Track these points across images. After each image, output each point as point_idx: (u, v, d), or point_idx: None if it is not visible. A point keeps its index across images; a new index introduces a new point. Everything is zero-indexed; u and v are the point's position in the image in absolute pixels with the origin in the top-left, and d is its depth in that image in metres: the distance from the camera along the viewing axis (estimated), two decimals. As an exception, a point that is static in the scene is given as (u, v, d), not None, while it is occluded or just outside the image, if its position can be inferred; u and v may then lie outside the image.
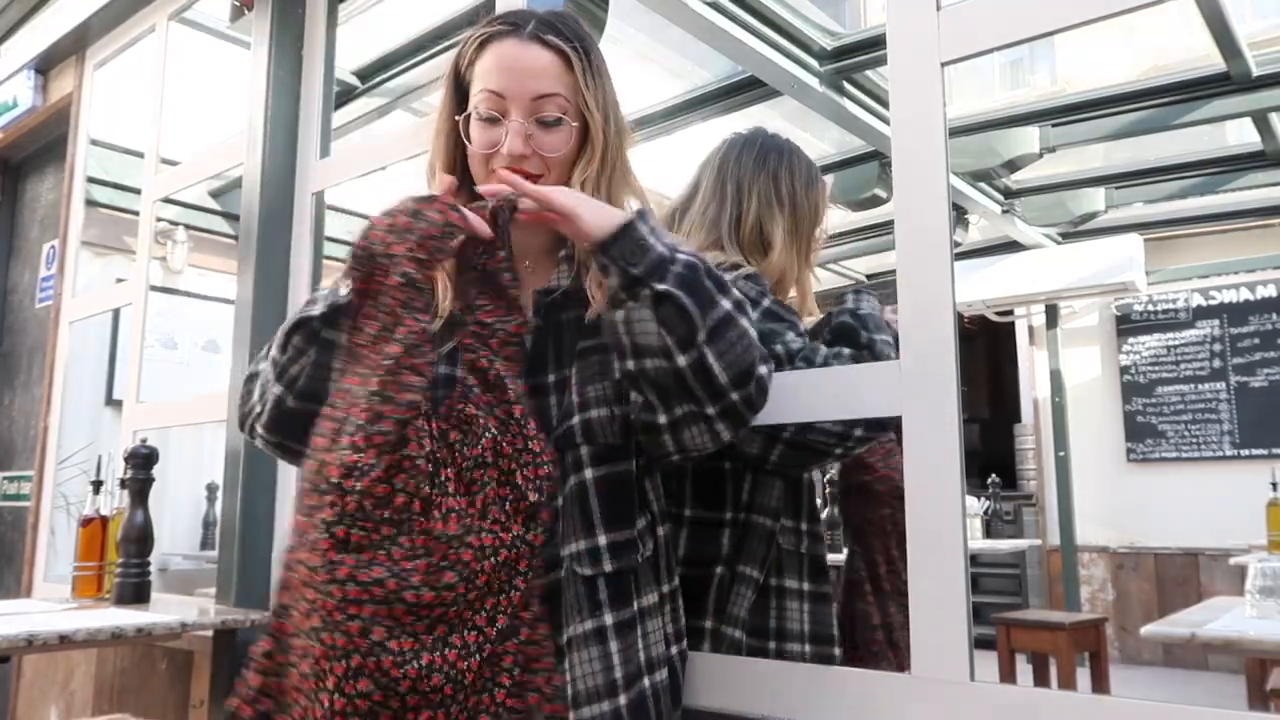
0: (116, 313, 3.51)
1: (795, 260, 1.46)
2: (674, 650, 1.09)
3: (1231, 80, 3.05)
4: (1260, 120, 3.39)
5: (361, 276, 0.96)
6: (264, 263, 2.17)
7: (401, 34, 2.89)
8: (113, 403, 3.78)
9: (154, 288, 2.79)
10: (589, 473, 1.03)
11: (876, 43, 2.90)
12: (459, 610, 0.90)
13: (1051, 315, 5.79)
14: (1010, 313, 6.02)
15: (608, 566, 1.01)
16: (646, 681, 1.01)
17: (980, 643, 1.16)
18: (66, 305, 2.99)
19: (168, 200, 2.95)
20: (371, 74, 3.00)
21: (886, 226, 4.34)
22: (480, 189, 1.03)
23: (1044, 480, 6.03)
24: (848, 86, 3.10)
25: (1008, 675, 4.06)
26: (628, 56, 3.09)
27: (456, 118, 1.09)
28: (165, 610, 1.97)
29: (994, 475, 6.27)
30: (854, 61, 2.98)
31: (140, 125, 2.74)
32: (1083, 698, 1.08)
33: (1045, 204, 4.46)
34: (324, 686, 0.86)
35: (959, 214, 4.30)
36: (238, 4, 2.40)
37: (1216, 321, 5.64)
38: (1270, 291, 5.49)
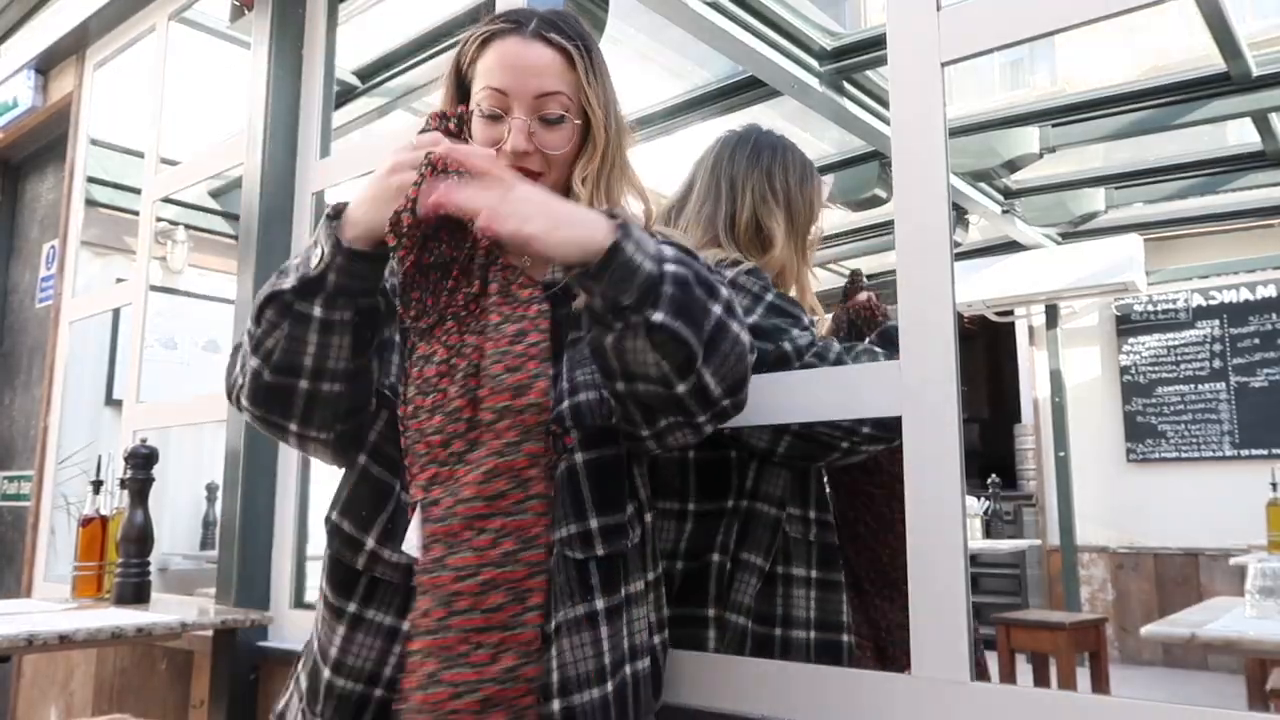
0: (116, 313, 3.51)
1: (793, 256, 1.46)
2: (656, 640, 1.09)
3: (1231, 80, 3.05)
4: (1260, 120, 3.39)
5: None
6: (264, 263, 2.17)
7: (401, 34, 2.90)
8: (113, 403, 3.78)
9: (154, 288, 2.79)
10: (579, 456, 1.01)
11: (876, 43, 2.90)
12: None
13: (1051, 315, 5.79)
14: (1010, 313, 6.02)
15: (599, 550, 0.99)
16: (628, 669, 1.01)
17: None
18: (66, 305, 2.99)
19: (168, 200, 2.95)
20: (371, 74, 3.00)
21: (886, 226, 4.34)
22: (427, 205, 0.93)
23: (1044, 480, 6.04)
24: (848, 86, 3.11)
25: (1008, 675, 4.06)
26: (628, 56, 3.09)
27: (461, 111, 1.09)
28: (165, 610, 1.97)
29: (994, 475, 6.28)
30: (854, 61, 2.98)
31: (140, 125, 2.74)
32: (1083, 698, 1.08)
33: (1045, 204, 4.46)
34: None
35: (959, 214, 4.30)
36: (238, 4, 2.40)
37: (1216, 321, 5.64)
38: (1270, 291, 5.49)
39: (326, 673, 1.00)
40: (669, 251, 0.94)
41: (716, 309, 0.94)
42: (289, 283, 0.97)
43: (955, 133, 3.54)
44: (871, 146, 3.57)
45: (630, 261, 0.89)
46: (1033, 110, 3.65)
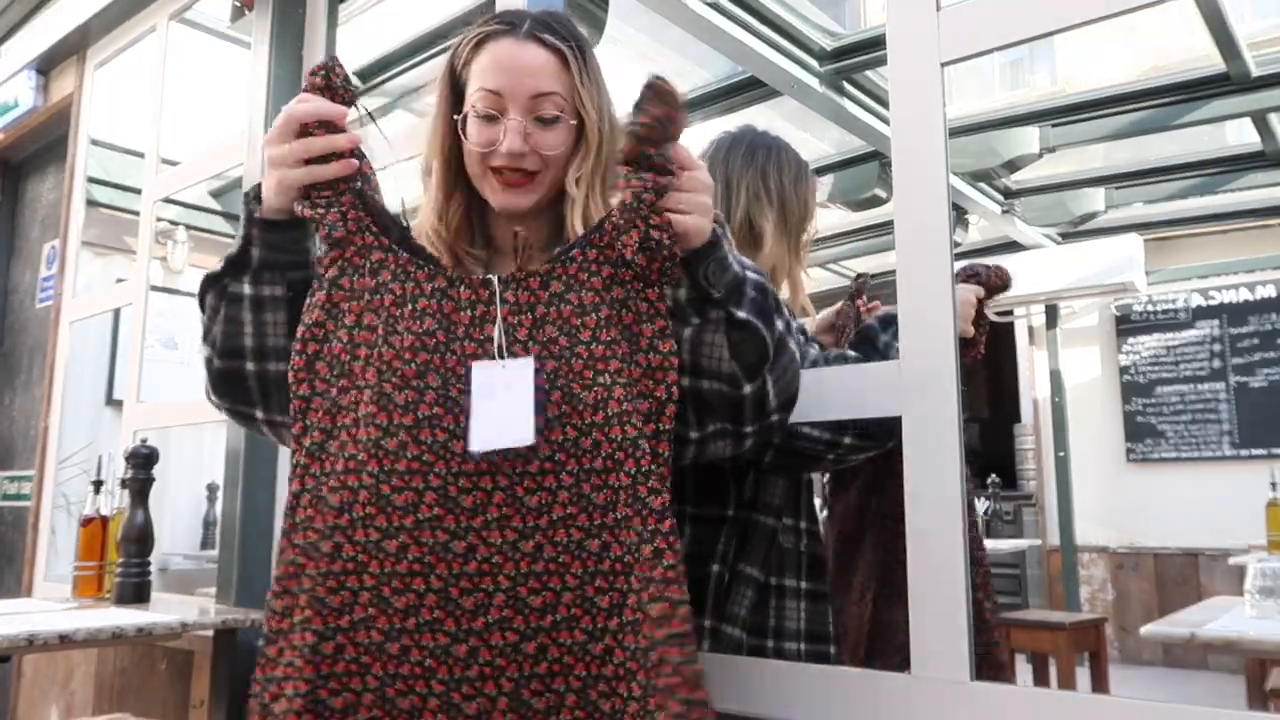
0: (117, 313, 3.51)
1: (786, 255, 1.46)
2: None
3: (1231, 80, 3.05)
4: (1260, 120, 3.39)
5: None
6: (264, 263, 2.17)
7: (401, 34, 2.90)
8: (113, 403, 3.79)
9: (154, 288, 2.79)
10: None
11: (876, 43, 2.91)
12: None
13: (1051, 315, 5.79)
14: (1010, 313, 6.02)
15: None
16: None
17: (980, 643, 1.16)
18: (67, 305, 2.99)
19: (168, 200, 2.95)
20: (371, 74, 3.00)
21: (886, 226, 4.34)
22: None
23: (1044, 480, 6.04)
24: (848, 86, 3.11)
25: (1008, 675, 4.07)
26: (628, 56, 3.09)
27: (455, 117, 1.09)
28: (165, 610, 1.97)
29: (994, 475, 6.28)
30: (854, 61, 2.98)
31: (140, 125, 2.74)
32: (1082, 697, 1.08)
33: (1045, 204, 4.46)
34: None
35: (959, 214, 4.30)
36: (238, 4, 2.40)
37: (1216, 321, 5.65)
38: (1270, 291, 5.49)
39: None
40: (749, 263, 1.00)
41: (779, 324, 0.99)
42: (218, 266, 1.00)
43: (955, 133, 3.54)
44: (871, 146, 3.57)
45: (726, 257, 0.95)
46: (1033, 110, 3.65)
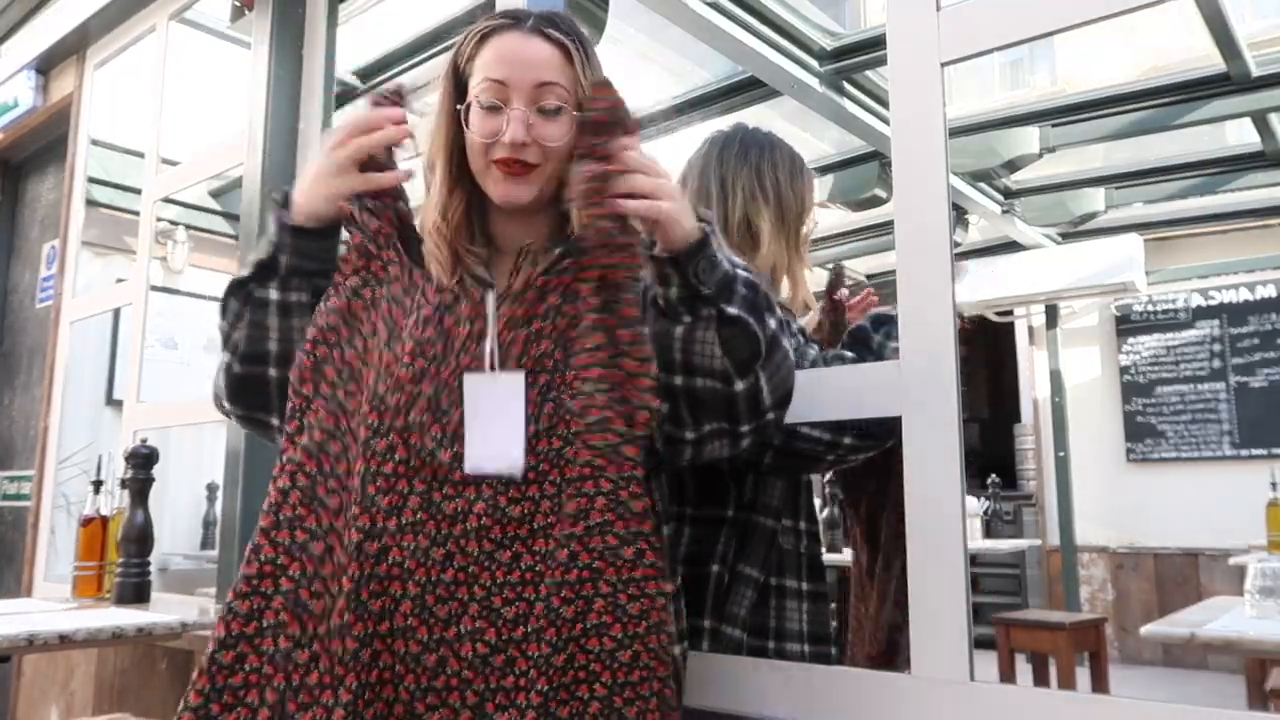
0: (116, 313, 3.51)
1: (785, 252, 1.45)
2: (676, 650, 1.09)
3: (1231, 80, 3.05)
4: (1260, 120, 3.39)
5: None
6: (264, 263, 2.17)
7: (401, 34, 2.90)
8: (113, 403, 3.79)
9: (154, 288, 2.79)
10: None
11: (876, 43, 2.90)
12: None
13: (1051, 315, 5.79)
14: (1010, 313, 6.03)
15: None
16: None
17: (980, 643, 1.16)
18: (67, 305, 2.99)
19: (168, 200, 2.95)
20: (371, 74, 3.00)
21: (886, 226, 4.34)
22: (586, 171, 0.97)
23: (1044, 480, 6.04)
24: (848, 86, 3.11)
25: (1008, 675, 4.06)
26: (628, 56, 3.09)
27: (458, 107, 1.09)
28: (165, 610, 1.97)
29: (994, 475, 6.27)
30: (854, 61, 2.98)
31: (140, 125, 2.74)
32: (1082, 697, 1.08)
33: (1045, 204, 4.46)
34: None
35: (959, 214, 4.30)
36: (238, 4, 2.40)
37: (1216, 321, 5.65)
38: (1270, 291, 5.49)
39: None
40: (740, 261, 1.01)
41: (772, 322, 0.99)
42: (246, 271, 1.00)
43: (955, 133, 3.54)
44: (871, 146, 3.57)
45: (715, 255, 0.96)
46: (1033, 110, 3.65)
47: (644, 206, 0.94)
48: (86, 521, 2.24)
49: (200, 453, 3.87)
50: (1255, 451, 5.37)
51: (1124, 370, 5.87)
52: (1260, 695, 2.97)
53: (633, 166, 0.95)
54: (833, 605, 1.44)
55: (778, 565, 1.32)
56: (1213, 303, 5.66)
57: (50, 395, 3.00)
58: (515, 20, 1.09)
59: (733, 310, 0.96)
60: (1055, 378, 5.71)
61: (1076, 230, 4.78)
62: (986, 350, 7.68)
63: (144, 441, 2.26)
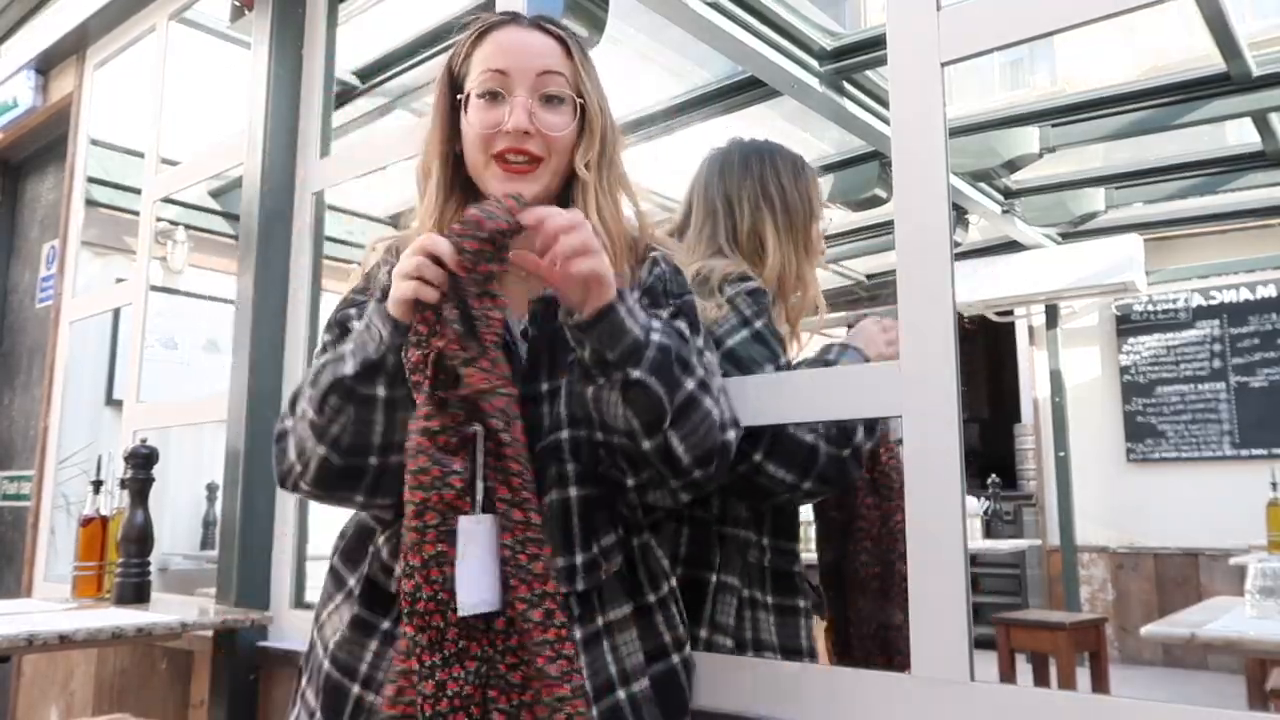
0: (116, 313, 3.51)
1: (794, 256, 1.46)
2: (675, 659, 1.08)
3: (1231, 80, 3.05)
4: (1260, 120, 3.39)
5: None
6: (264, 263, 2.17)
7: (401, 34, 2.90)
8: (113, 403, 3.79)
9: (154, 288, 2.79)
10: (573, 490, 1.03)
11: (876, 43, 2.90)
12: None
13: (1051, 315, 5.79)
14: (1010, 313, 6.03)
15: (580, 585, 1.01)
16: (622, 693, 1.01)
17: (980, 643, 1.16)
18: (66, 305, 2.99)
19: (168, 200, 2.95)
20: (371, 74, 3.00)
21: (886, 226, 4.34)
22: (489, 204, 0.96)
23: (1044, 480, 6.04)
24: (848, 86, 3.10)
25: (1008, 675, 4.07)
26: (628, 56, 3.09)
27: (458, 96, 1.09)
28: (165, 610, 1.97)
29: (994, 475, 6.28)
30: (854, 61, 2.98)
31: (140, 125, 2.74)
32: (1083, 697, 1.08)
33: (1045, 204, 4.46)
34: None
35: (959, 214, 4.30)
36: (238, 4, 2.40)
37: (1216, 321, 5.65)
38: (1270, 291, 5.49)
39: (356, 689, 1.01)
40: (657, 324, 1.00)
41: (690, 384, 0.99)
42: (349, 369, 0.97)
43: (955, 133, 3.54)
44: (871, 146, 3.57)
45: (622, 323, 0.95)
46: (1033, 110, 3.65)
47: (583, 268, 0.92)
48: (86, 521, 2.24)
49: (200, 453, 3.87)
50: (1255, 451, 5.37)
51: (1124, 370, 5.87)
52: (1261, 695, 2.97)
53: (557, 229, 0.93)
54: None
55: (748, 577, 1.33)
56: (1213, 303, 5.66)
57: (50, 395, 3.00)
58: (513, 17, 1.10)
59: (636, 374, 0.95)
60: (1055, 378, 5.71)
61: (1076, 230, 4.78)
62: (986, 350, 7.68)
63: (144, 441, 2.26)
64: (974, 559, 2.72)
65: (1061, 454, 5.60)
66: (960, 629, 1.07)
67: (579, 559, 1.02)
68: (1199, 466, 5.55)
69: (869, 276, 5.56)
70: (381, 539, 1.06)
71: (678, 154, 2.74)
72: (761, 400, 1.24)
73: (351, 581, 1.08)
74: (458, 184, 1.10)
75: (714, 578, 1.30)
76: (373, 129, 3.20)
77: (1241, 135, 3.81)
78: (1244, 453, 5.42)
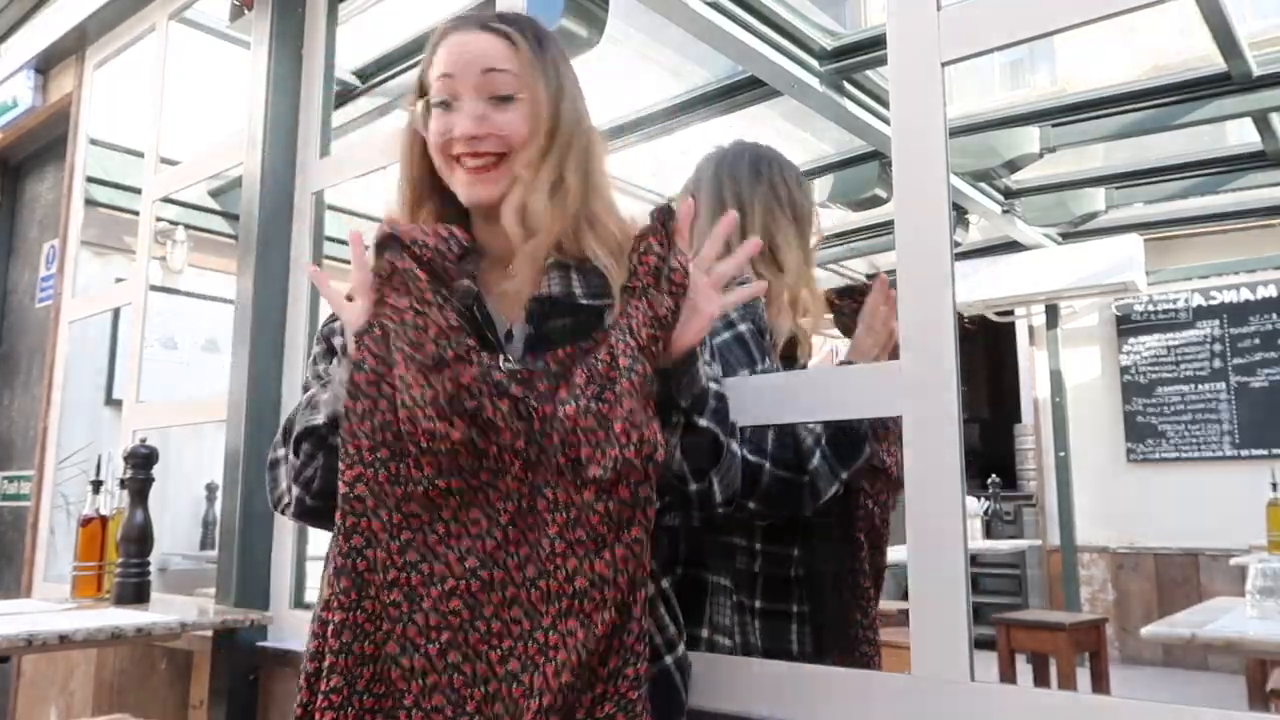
0: (116, 313, 3.51)
1: (803, 264, 1.46)
2: (668, 660, 1.07)
3: (1231, 80, 3.05)
4: (1260, 120, 3.39)
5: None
6: (264, 262, 2.17)
7: (401, 34, 2.89)
8: (112, 403, 3.79)
9: (154, 288, 2.79)
10: None
11: (876, 43, 2.90)
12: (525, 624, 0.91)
13: (1051, 315, 5.79)
14: (1010, 313, 6.02)
15: None
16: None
17: (980, 643, 1.16)
18: (66, 305, 2.99)
19: (168, 200, 2.95)
20: (371, 74, 3.00)
21: (886, 226, 4.34)
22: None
23: (1044, 480, 6.03)
24: (848, 86, 3.10)
25: (1008, 675, 4.07)
26: (628, 56, 3.09)
27: (413, 107, 1.09)
28: (165, 610, 1.97)
29: (994, 475, 6.28)
30: (854, 61, 2.98)
31: (140, 125, 2.74)
32: (1083, 698, 1.08)
33: (1045, 204, 4.46)
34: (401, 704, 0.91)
35: (959, 214, 4.30)
36: (238, 4, 2.40)
37: (1216, 322, 5.64)
38: (1270, 291, 5.49)
39: None
40: (713, 372, 1.06)
41: (732, 435, 1.05)
42: (321, 418, 1.01)
43: (955, 133, 3.54)
44: (871, 146, 3.57)
45: (698, 372, 1.00)
46: (1033, 110, 3.65)
47: (694, 328, 1.00)
48: (86, 521, 2.23)
49: (200, 453, 3.87)
50: (1256, 451, 5.37)
51: (1124, 370, 5.87)
52: (1261, 696, 2.97)
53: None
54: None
55: (738, 582, 1.33)
56: (1213, 303, 5.66)
57: (50, 395, 3.00)
58: (463, 21, 1.10)
59: (704, 422, 0.99)
60: (1055, 378, 5.71)
61: (1077, 230, 4.78)
62: (986, 350, 7.68)
63: (143, 441, 2.26)
64: (974, 559, 2.72)
65: (1062, 454, 5.60)
66: (960, 629, 1.07)
67: None
68: (1199, 466, 5.55)
69: (869, 276, 5.55)
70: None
71: (678, 154, 2.74)
72: (762, 400, 1.24)
73: None
74: (433, 190, 1.10)
75: (711, 579, 1.30)
76: (373, 129, 3.20)
77: (1242, 135, 3.81)
78: (1244, 453, 5.42)
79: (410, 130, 1.12)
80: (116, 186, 3.61)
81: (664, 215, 1.00)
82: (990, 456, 6.95)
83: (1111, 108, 3.42)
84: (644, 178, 3.65)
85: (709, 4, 2.45)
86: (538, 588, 0.90)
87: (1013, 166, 3.86)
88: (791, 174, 1.50)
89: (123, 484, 2.16)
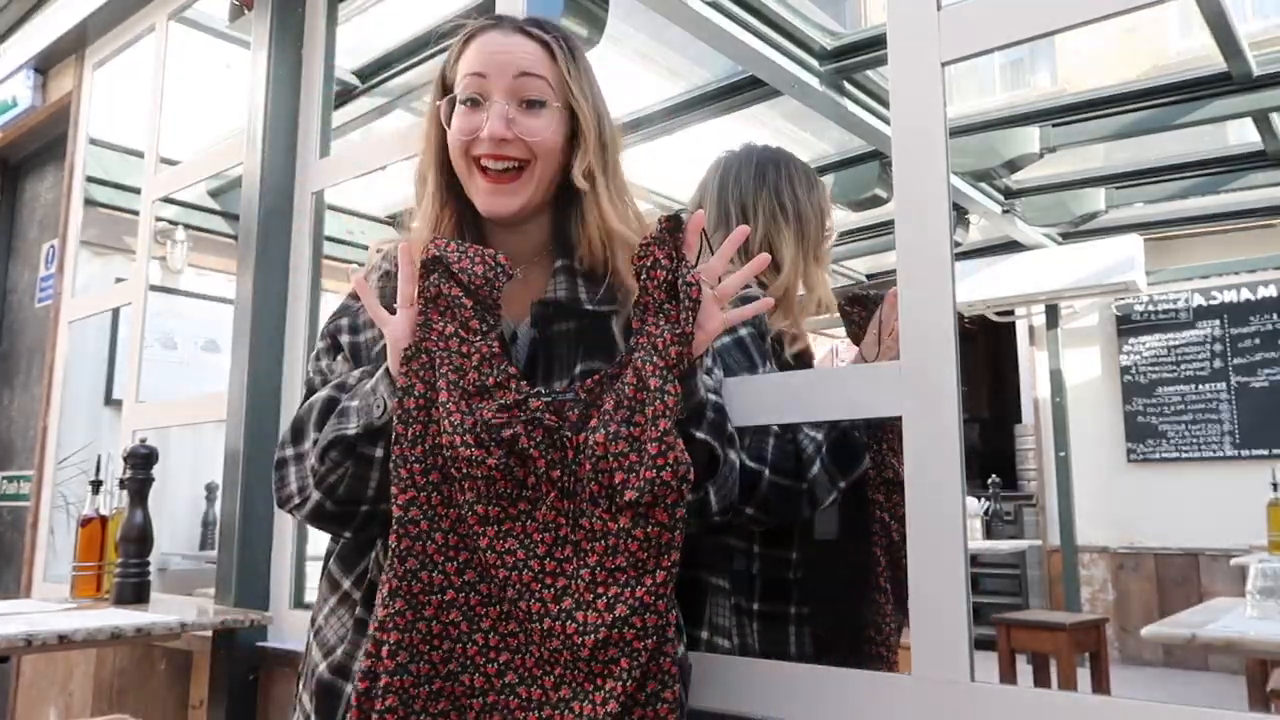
0: (116, 312, 3.50)
1: (803, 265, 1.45)
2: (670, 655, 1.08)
3: (1232, 80, 3.05)
4: (1260, 120, 3.39)
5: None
6: (264, 262, 2.17)
7: (401, 34, 2.89)
8: (112, 403, 3.78)
9: (153, 287, 2.79)
10: None
11: (876, 43, 2.90)
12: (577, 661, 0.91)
13: (1052, 315, 5.79)
14: (1010, 313, 6.03)
15: None
16: None
17: (980, 643, 1.15)
18: (66, 305, 2.99)
19: (167, 200, 2.95)
20: (371, 74, 3.00)
21: (886, 226, 4.34)
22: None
23: (1044, 480, 6.03)
24: (848, 86, 3.10)
25: (1008, 676, 4.06)
26: (628, 56, 3.09)
27: (438, 103, 1.08)
28: (164, 610, 1.97)
29: (994, 475, 6.27)
30: (854, 61, 2.98)
31: (140, 125, 2.74)
32: (1083, 698, 1.08)
33: (1045, 204, 4.46)
34: None
35: (959, 214, 4.30)
36: (237, 4, 2.40)
37: (1217, 322, 5.64)
38: (1270, 291, 5.48)
39: (349, 688, 1.01)
40: (711, 382, 1.07)
41: (730, 445, 1.05)
42: (352, 429, 0.98)
43: (955, 133, 3.54)
44: (871, 146, 3.57)
45: (695, 383, 1.00)
46: (1033, 110, 3.65)
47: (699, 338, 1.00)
48: (85, 521, 2.23)
49: (199, 453, 3.86)
50: (1256, 451, 5.37)
51: (1124, 370, 5.87)
52: (1261, 696, 2.96)
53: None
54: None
55: (737, 584, 1.33)
56: (1213, 303, 5.66)
57: (49, 395, 3.00)
58: (498, 20, 1.09)
59: (700, 435, 1.00)
60: (1056, 378, 5.71)
61: (1077, 230, 4.78)
62: (986, 350, 7.68)
63: (143, 441, 2.26)
64: (974, 559, 2.72)
65: (1062, 454, 5.60)
66: (960, 629, 1.07)
67: None
68: (1199, 467, 5.54)
69: (869, 276, 5.56)
70: (381, 543, 1.05)
71: (678, 154, 2.74)
72: (762, 400, 1.24)
73: (347, 584, 1.07)
74: (454, 191, 1.09)
75: (710, 581, 1.30)
76: (372, 129, 3.20)
77: (1242, 135, 3.81)
78: (1244, 453, 5.42)
79: (432, 130, 1.10)
80: (116, 186, 3.61)
81: (671, 226, 0.99)
82: (990, 456, 6.95)
83: (1111, 108, 3.42)
84: (644, 178, 3.65)
85: (709, 4, 2.45)
86: (574, 619, 0.90)
87: (1013, 166, 3.86)
88: (800, 177, 1.49)
89: (122, 484, 2.16)
